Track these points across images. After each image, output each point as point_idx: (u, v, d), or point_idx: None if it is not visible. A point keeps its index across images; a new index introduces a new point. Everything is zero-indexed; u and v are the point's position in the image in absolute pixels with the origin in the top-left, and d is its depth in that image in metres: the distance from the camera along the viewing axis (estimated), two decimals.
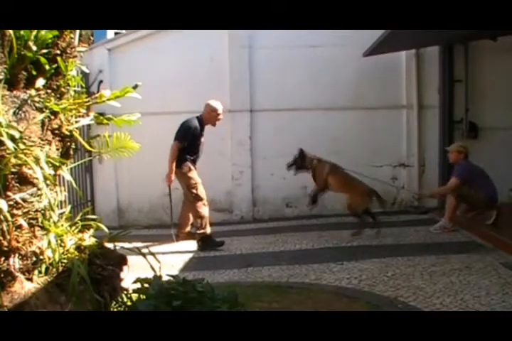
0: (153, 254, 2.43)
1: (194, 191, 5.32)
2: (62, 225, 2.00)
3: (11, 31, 1.86)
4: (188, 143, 5.34)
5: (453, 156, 5.68)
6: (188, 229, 5.66)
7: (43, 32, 1.93)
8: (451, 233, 5.38)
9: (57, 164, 1.96)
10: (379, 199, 5.63)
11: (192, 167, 5.39)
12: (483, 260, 4.22)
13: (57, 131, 2.01)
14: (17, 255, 1.72)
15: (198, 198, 5.34)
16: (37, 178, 1.76)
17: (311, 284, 3.85)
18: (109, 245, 2.16)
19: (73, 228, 2.10)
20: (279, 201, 6.98)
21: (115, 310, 2.11)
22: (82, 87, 2.39)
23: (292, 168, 5.82)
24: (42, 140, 1.89)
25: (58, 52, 2.05)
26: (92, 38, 8.63)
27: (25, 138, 1.79)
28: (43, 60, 1.97)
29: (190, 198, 5.40)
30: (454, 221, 5.50)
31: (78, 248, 2.01)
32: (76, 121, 2.13)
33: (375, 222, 5.55)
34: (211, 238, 5.39)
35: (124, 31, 6.91)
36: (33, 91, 1.93)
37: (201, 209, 5.35)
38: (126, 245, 2.34)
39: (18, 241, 1.72)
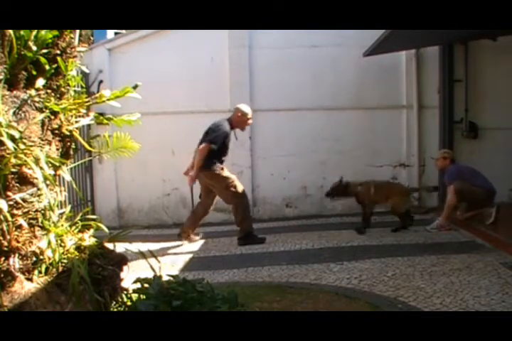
0: (153, 254, 2.43)
1: (233, 189, 5.26)
2: (62, 225, 2.00)
3: (11, 31, 1.86)
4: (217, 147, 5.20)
5: (439, 163, 5.86)
6: (192, 232, 5.60)
7: (43, 32, 1.93)
8: (450, 232, 5.38)
9: (57, 164, 1.96)
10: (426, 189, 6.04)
11: (222, 166, 5.30)
12: (483, 260, 4.22)
13: (57, 131, 2.01)
14: (17, 255, 1.72)
15: (237, 195, 5.30)
16: (37, 178, 1.76)
17: (311, 284, 3.85)
18: (109, 245, 2.16)
19: (73, 228, 2.10)
20: (279, 201, 6.98)
21: (115, 310, 2.11)
22: (82, 87, 2.39)
23: (331, 196, 5.92)
24: (42, 140, 1.89)
25: (58, 52, 2.04)
26: (92, 38, 8.62)
27: (25, 138, 1.79)
28: (43, 60, 1.97)
29: (228, 199, 5.37)
30: (451, 220, 5.53)
31: (78, 248, 2.01)
32: (76, 121, 2.13)
33: (412, 220, 5.79)
34: (252, 234, 5.41)
35: (124, 31, 6.91)
36: (33, 92, 1.93)
37: (243, 206, 5.36)
38: (127, 245, 2.34)
39: (18, 241, 1.72)
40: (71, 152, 2.15)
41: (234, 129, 5.42)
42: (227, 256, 4.95)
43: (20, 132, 1.76)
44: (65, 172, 2.02)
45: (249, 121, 5.48)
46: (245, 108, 5.43)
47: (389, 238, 5.27)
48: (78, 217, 2.18)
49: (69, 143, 2.11)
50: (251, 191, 6.92)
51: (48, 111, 1.94)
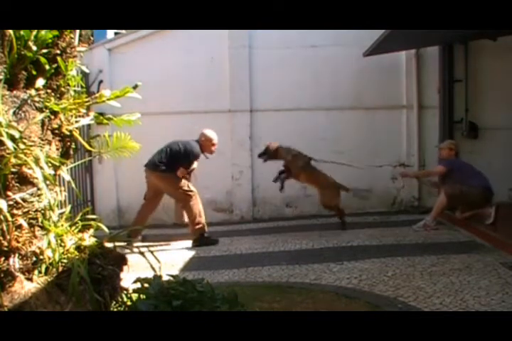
0: (153, 254, 2.43)
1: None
2: (62, 225, 2.00)
3: (11, 31, 1.86)
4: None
5: (444, 153, 5.83)
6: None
7: (43, 32, 1.93)
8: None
9: (57, 164, 1.96)
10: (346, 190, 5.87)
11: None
12: (483, 260, 4.22)
13: (57, 131, 2.01)
14: (17, 255, 1.72)
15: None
16: (37, 178, 1.76)
17: (311, 284, 3.85)
18: (109, 245, 2.16)
19: (73, 228, 2.10)
20: (279, 201, 6.98)
21: (115, 310, 2.11)
22: (82, 86, 2.38)
23: (263, 158, 5.94)
24: (42, 140, 1.89)
25: (58, 52, 2.04)
26: (92, 38, 8.63)
27: (25, 138, 1.79)
28: (43, 60, 1.97)
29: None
30: (448, 220, 5.58)
31: (78, 248, 2.01)
32: (76, 121, 2.13)
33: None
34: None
35: (124, 31, 6.92)
36: (33, 91, 1.93)
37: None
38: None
39: (18, 241, 1.72)
40: (71, 152, 2.15)
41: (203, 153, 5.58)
42: (227, 256, 4.95)
43: (20, 132, 1.76)
44: (64, 172, 2.02)
45: (214, 147, 5.61)
46: (210, 133, 5.56)
47: (389, 238, 5.27)
48: (78, 217, 2.18)
49: (69, 143, 2.11)
50: (251, 191, 6.93)
51: (47, 111, 1.94)
